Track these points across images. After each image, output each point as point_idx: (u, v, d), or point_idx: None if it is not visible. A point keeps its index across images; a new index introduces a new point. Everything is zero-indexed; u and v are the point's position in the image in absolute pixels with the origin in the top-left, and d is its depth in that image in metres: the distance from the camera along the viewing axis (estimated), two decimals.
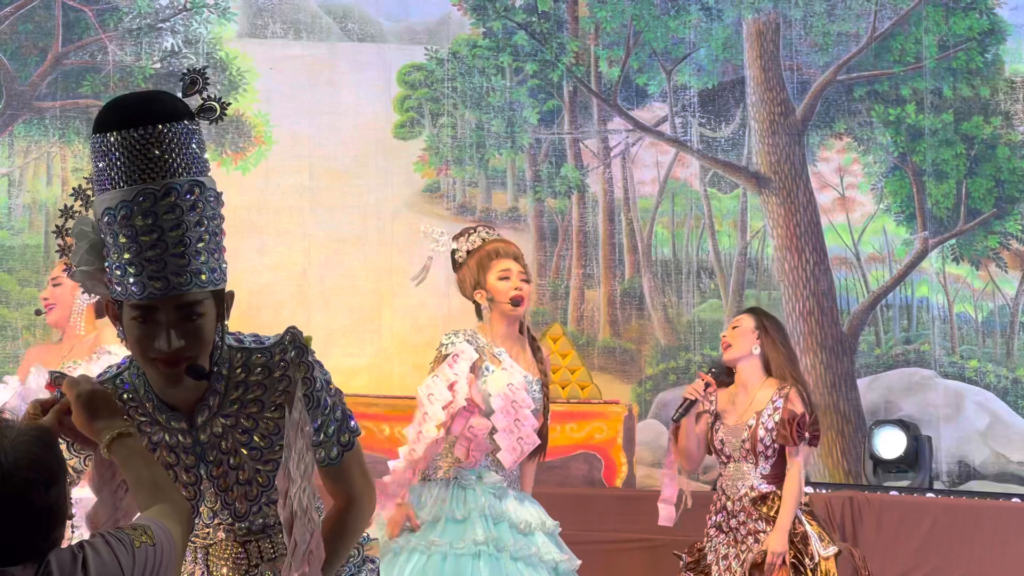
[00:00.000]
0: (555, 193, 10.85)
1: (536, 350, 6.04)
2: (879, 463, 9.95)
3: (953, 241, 10.95)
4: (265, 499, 3.14)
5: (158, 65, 10.62)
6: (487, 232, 6.19)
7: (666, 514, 6.49)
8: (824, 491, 9.09)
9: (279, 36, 10.83)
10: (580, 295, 10.76)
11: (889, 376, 10.81)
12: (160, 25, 10.68)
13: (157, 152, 2.89)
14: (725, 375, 6.49)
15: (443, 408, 5.88)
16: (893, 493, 9.27)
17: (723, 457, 6.40)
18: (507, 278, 6.00)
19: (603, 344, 10.69)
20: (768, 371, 6.41)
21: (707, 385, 6.39)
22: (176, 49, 10.66)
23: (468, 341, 5.91)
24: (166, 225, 2.90)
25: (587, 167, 10.91)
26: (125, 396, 3.12)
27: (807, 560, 6.15)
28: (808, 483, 9.61)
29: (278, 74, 10.72)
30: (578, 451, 9.33)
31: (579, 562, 5.88)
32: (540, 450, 5.98)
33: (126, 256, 2.91)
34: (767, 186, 10.93)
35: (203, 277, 2.96)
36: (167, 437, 3.13)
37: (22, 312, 10.31)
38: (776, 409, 6.29)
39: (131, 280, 2.92)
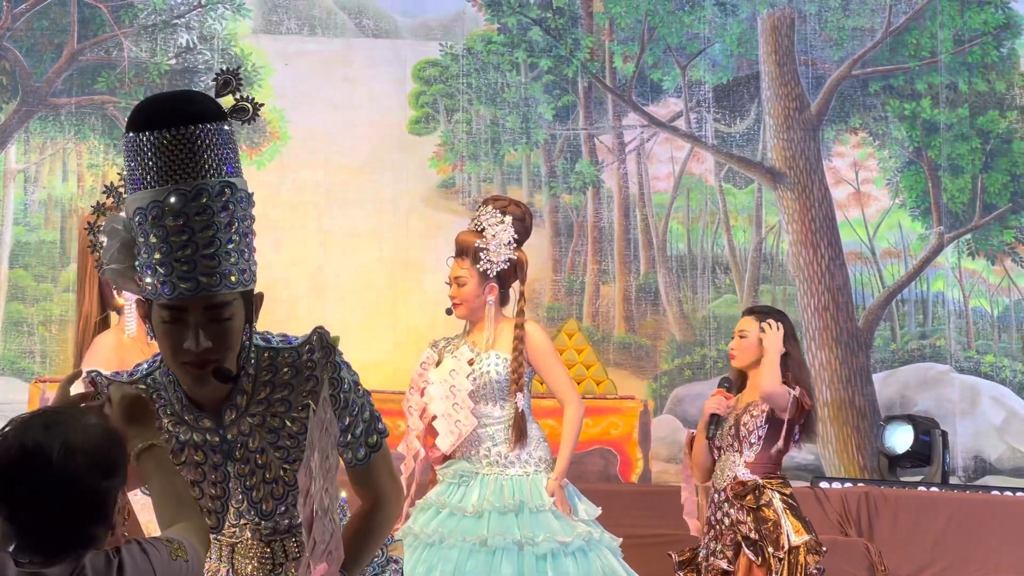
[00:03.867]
0: (570, 189, 10.85)
1: (517, 327, 6.04)
2: (890, 458, 9.95)
3: (969, 236, 10.94)
4: (291, 499, 3.14)
5: (173, 61, 10.63)
6: (479, 215, 6.16)
7: (693, 525, 6.56)
8: (840, 486, 9.09)
9: (294, 32, 10.84)
10: (595, 291, 10.76)
11: (905, 371, 10.80)
12: (175, 21, 10.69)
13: (189, 153, 2.90)
14: (738, 382, 6.52)
15: (420, 417, 5.96)
16: (904, 488, 9.26)
17: (715, 452, 6.43)
18: (449, 284, 6.08)
19: (618, 340, 10.69)
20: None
21: (725, 399, 6.42)
22: (191, 45, 10.68)
23: (432, 346, 6.05)
24: (196, 226, 2.91)
25: (602, 163, 10.91)
26: (154, 395, 3.13)
27: (777, 551, 6.15)
28: (823, 478, 9.63)
29: (293, 70, 10.73)
30: (594, 447, 9.33)
31: (566, 537, 5.87)
32: (519, 435, 5.99)
33: (156, 256, 2.91)
34: (782, 181, 10.92)
35: (232, 278, 2.97)
36: (195, 436, 3.14)
37: (38, 308, 10.34)
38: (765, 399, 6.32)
39: (161, 280, 2.93)
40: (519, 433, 5.96)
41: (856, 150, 11.06)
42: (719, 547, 6.30)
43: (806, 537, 6.20)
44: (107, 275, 3.02)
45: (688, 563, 6.43)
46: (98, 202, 3.09)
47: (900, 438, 9.88)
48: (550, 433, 6.29)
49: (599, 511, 6.11)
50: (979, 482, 10.40)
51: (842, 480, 9.69)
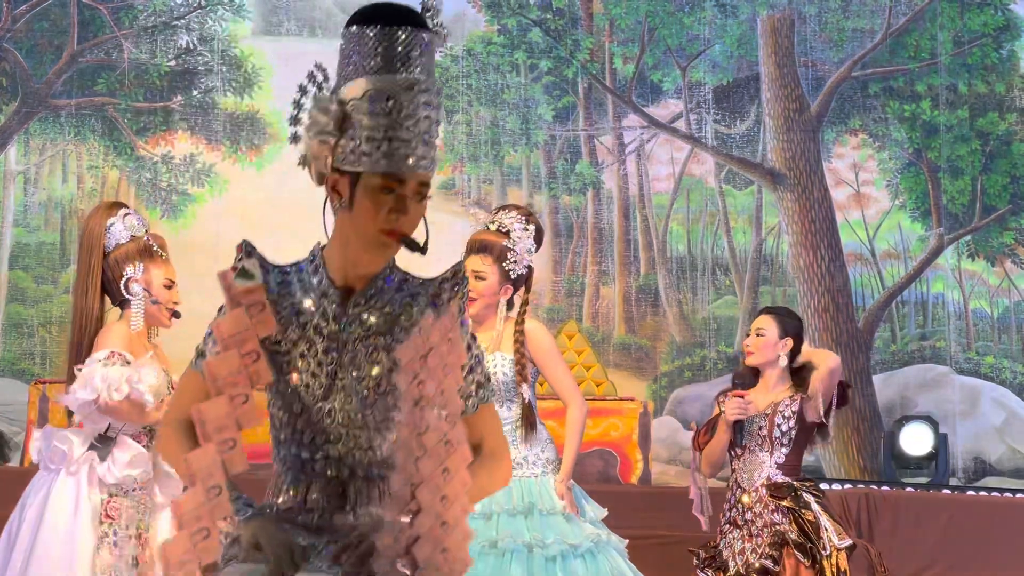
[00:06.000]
0: (570, 190, 10.85)
1: (518, 324, 6.05)
2: (905, 459, 9.91)
3: (968, 237, 10.93)
4: (387, 424, 3.28)
5: (173, 63, 10.63)
6: (491, 218, 6.18)
7: (704, 522, 6.54)
8: (840, 487, 9.09)
9: (293, 33, 10.84)
10: (595, 292, 10.76)
11: (905, 372, 10.80)
12: (175, 23, 10.70)
13: (410, 50, 3.25)
14: (751, 377, 6.48)
15: None
16: (910, 490, 9.26)
17: (737, 449, 6.39)
18: None
19: (618, 341, 10.69)
20: (791, 374, 6.40)
21: (743, 399, 6.37)
22: (191, 47, 10.68)
23: None
24: (413, 112, 3.23)
25: (602, 164, 10.91)
26: (290, 279, 3.35)
27: (820, 550, 6.14)
28: (824, 479, 9.63)
29: (293, 71, 10.70)
30: (593, 448, 9.33)
31: (575, 539, 5.86)
32: (528, 427, 5.99)
33: (381, 132, 3.23)
34: (782, 182, 10.92)
35: (432, 163, 3.28)
36: (319, 320, 3.31)
37: (38, 309, 10.34)
38: (793, 400, 6.29)
39: (382, 152, 3.24)
40: (530, 425, 5.97)
41: (856, 151, 11.06)
42: (751, 546, 6.28)
43: (848, 541, 6.20)
44: (310, 142, 3.30)
45: (711, 560, 6.41)
46: (302, 86, 3.41)
47: (916, 439, 9.85)
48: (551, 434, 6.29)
49: (605, 512, 6.11)
50: (979, 483, 10.40)
51: (843, 481, 9.69)
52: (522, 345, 6.01)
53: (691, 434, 6.71)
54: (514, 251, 6.04)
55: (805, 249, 10.86)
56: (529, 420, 5.99)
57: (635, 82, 10.99)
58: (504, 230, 6.09)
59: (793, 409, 6.27)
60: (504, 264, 6.04)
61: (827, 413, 6.28)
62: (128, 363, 5.11)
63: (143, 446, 5.17)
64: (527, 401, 5.99)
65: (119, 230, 5.28)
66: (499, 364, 6.01)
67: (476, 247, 6.08)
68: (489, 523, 5.86)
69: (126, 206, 5.43)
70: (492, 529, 5.85)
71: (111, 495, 5.09)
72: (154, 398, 5.09)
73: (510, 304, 6.15)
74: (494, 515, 5.87)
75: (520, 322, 6.05)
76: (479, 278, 6.04)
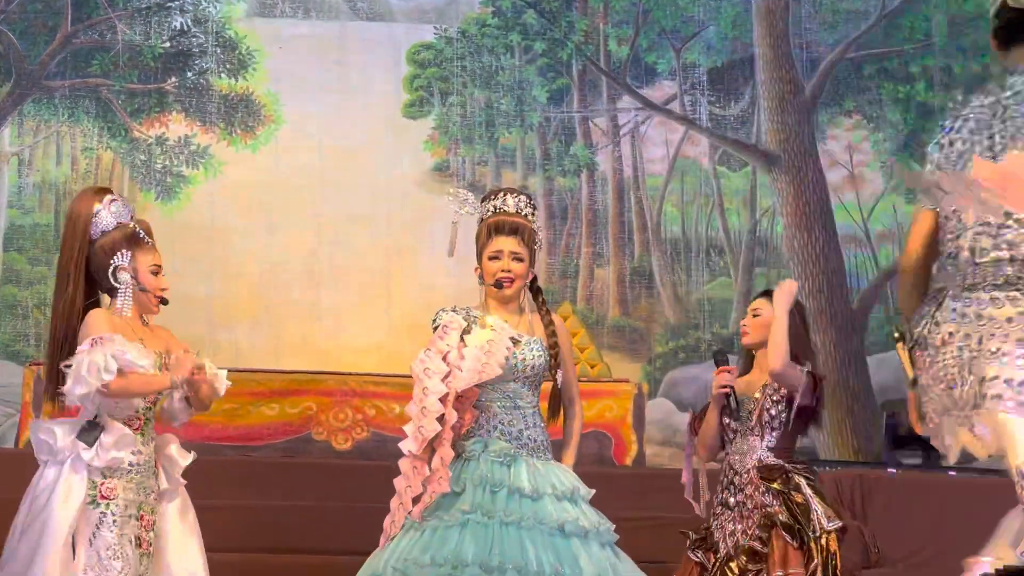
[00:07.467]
0: (564, 172, 10.85)
1: (545, 313, 6.07)
2: (911, 439, 9.91)
3: None
4: None
5: (167, 44, 10.62)
6: (503, 202, 6.17)
7: (697, 506, 6.54)
8: (833, 469, 9.10)
9: (288, 15, 10.82)
10: (589, 274, 10.76)
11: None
12: (169, 4, 10.68)
13: None
14: (726, 354, 6.50)
15: (442, 380, 5.91)
16: (904, 471, 9.27)
17: (730, 433, 6.40)
18: (497, 258, 6.03)
19: (612, 323, 10.69)
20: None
21: (729, 373, 6.39)
22: (185, 28, 10.66)
23: (455, 312, 5.97)
24: None
25: (596, 145, 10.91)
26: None
27: (808, 532, 6.15)
28: (818, 461, 9.64)
29: (287, 53, 10.72)
30: (588, 430, 9.33)
31: (610, 525, 5.86)
32: (555, 411, 6.01)
33: None
34: (776, 164, 10.92)
35: None
36: None
37: (32, 291, 10.33)
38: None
39: None
40: (557, 408, 6.01)
41: (850, 133, 11.07)
42: (741, 528, 6.29)
43: (838, 523, 6.20)
44: None
45: (702, 542, 6.42)
46: None
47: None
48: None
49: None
50: (971, 465, 10.41)
51: (836, 463, 9.70)
52: (554, 334, 6.04)
53: (687, 417, 6.73)
54: (537, 234, 6.08)
55: (799, 230, 10.86)
56: (556, 405, 6.02)
57: (629, 64, 10.98)
58: (522, 213, 6.10)
59: (782, 393, 6.28)
60: (533, 246, 6.07)
61: (802, 411, 6.29)
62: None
63: (135, 430, 5.19)
64: (559, 385, 6.02)
65: (105, 217, 5.23)
66: (535, 349, 6.01)
67: (508, 228, 6.07)
68: (540, 503, 5.83)
69: (111, 192, 5.40)
70: (547, 510, 5.81)
71: (105, 477, 5.11)
72: (151, 366, 5.11)
73: (534, 290, 6.19)
74: (543, 496, 5.85)
75: (547, 311, 6.09)
76: (518, 259, 6.04)
